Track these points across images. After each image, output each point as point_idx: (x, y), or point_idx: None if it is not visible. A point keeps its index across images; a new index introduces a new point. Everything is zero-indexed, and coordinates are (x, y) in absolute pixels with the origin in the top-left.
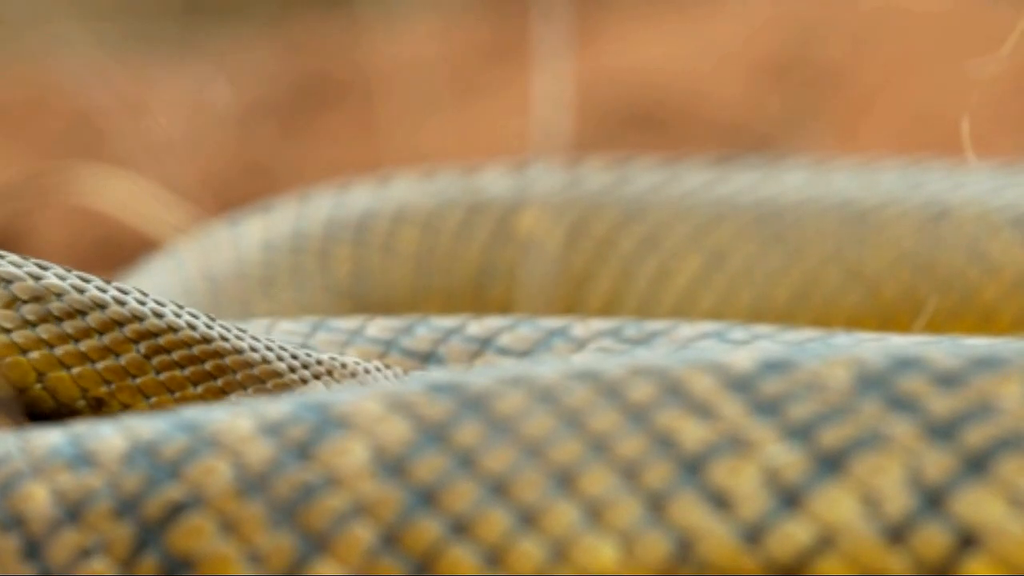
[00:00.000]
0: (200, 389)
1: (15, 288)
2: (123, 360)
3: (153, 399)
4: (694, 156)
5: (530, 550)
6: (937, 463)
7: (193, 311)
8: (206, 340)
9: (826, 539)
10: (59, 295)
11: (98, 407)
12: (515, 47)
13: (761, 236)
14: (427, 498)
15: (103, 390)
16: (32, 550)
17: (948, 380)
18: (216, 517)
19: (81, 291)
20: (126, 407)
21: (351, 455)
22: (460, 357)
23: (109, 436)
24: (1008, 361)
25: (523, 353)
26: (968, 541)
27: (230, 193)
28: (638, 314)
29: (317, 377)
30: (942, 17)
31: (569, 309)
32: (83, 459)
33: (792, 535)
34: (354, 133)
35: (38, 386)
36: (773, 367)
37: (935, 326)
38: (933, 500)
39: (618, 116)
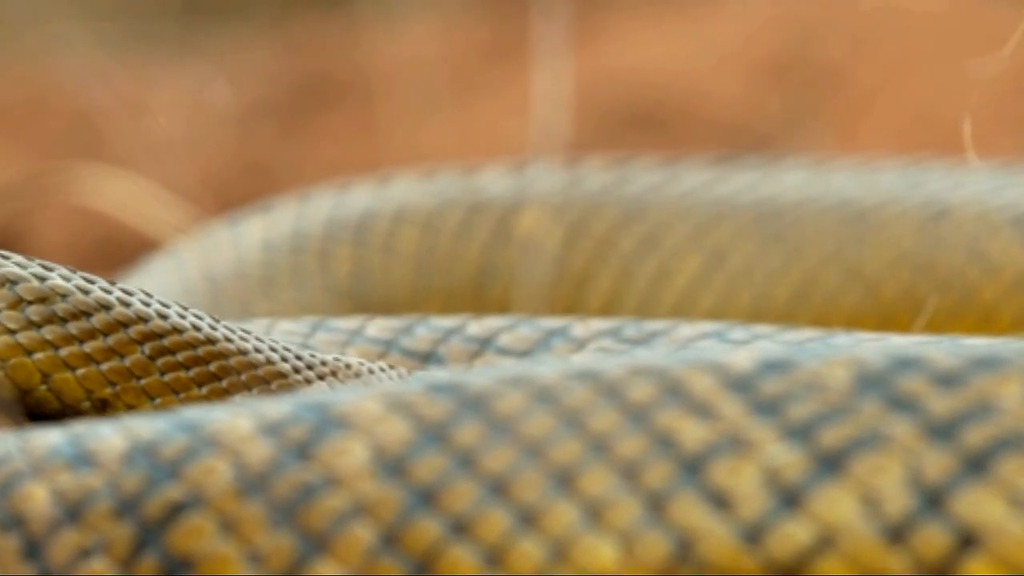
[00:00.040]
0: (204, 390)
1: (20, 289)
2: (128, 361)
3: (158, 400)
4: (694, 156)
5: (530, 550)
6: (937, 463)
7: (197, 312)
8: (210, 341)
9: (826, 539)
10: (64, 296)
11: (103, 408)
12: (515, 47)
13: (761, 236)
14: (427, 498)
15: (108, 391)
16: (32, 550)
17: (948, 380)
18: (216, 517)
19: (86, 292)
20: (131, 408)
21: (351, 455)
22: (460, 357)
23: (109, 436)
24: (1008, 361)
25: (523, 353)
26: (968, 541)
27: (230, 193)
28: (638, 314)
29: (321, 378)
30: (942, 17)
31: (569, 309)
32: (83, 459)
33: (792, 535)
34: (354, 133)
35: (43, 387)
36: (773, 367)
37: (935, 326)
38: (933, 500)
39: (618, 116)
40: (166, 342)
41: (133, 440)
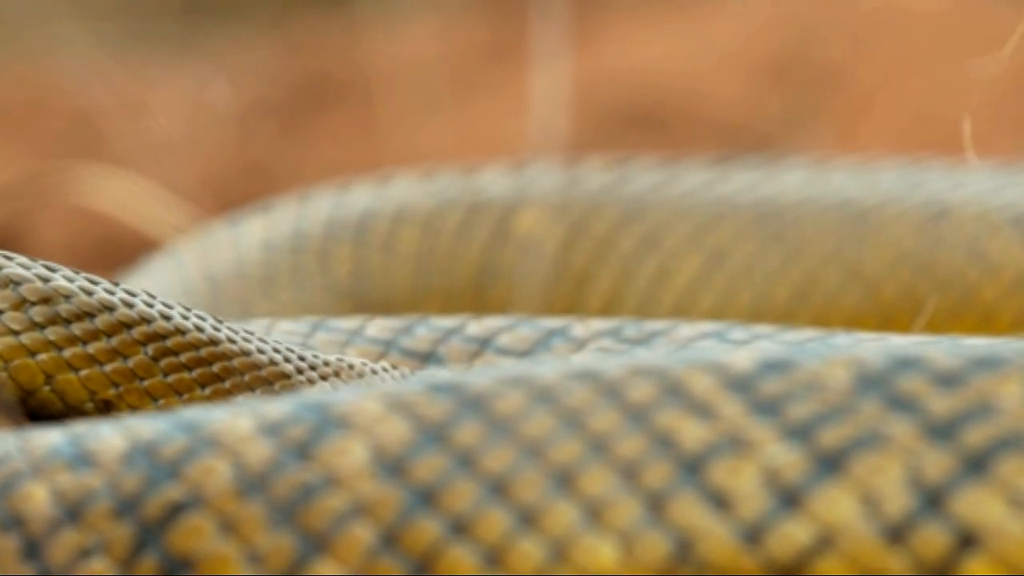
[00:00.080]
0: (208, 391)
1: (24, 290)
2: (131, 362)
3: (161, 401)
4: (694, 156)
5: (530, 550)
6: (937, 463)
7: (200, 313)
8: (214, 342)
9: (826, 539)
10: (68, 297)
11: (106, 410)
12: (515, 47)
13: (761, 236)
14: (427, 498)
15: (111, 392)
16: (32, 550)
17: (948, 380)
18: (216, 517)
19: (90, 293)
20: (134, 410)
21: (351, 455)
22: (460, 357)
23: (109, 436)
24: (1008, 361)
25: (523, 353)
26: (968, 541)
27: (230, 193)
28: (638, 314)
29: (324, 379)
30: (942, 17)
31: (569, 309)
32: (83, 459)
33: (792, 535)
34: (354, 133)
35: (46, 388)
36: (773, 367)
37: (935, 326)
38: (933, 500)
39: (618, 116)
40: (169, 343)
41: (133, 440)
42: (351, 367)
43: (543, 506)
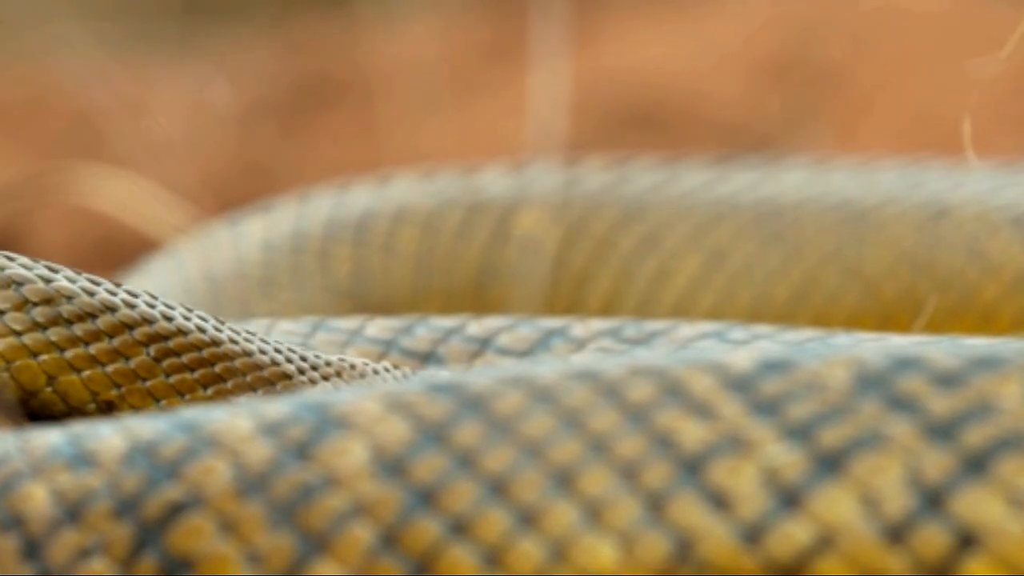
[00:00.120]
0: (210, 392)
1: (25, 291)
2: (133, 363)
3: (163, 402)
4: (694, 156)
5: (530, 550)
6: (937, 463)
7: (202, 314)
8: (216, 343)
9: (826, 539)
10: (69, 298)
11: (108, 410)
12: (515, 47)
13: (761, 236)
14: (427, 498)
15: (113, 393)
16: (32, 550)
17: (948, 380)
18: (216, 517)
19: (91, 294)
20: (136, 410)
21: (351, 455)
22: (460, 357)
23: (108, 436)
24: (1008, 361)
25: (523, 353)
26: (968, 541)
27: (230, 193)
28: (638, 314)
29: (326, 379)
30: (942, 17)
31: (569, 309)
32: (83, 459)
33: (792, 535)
34: (354, 133)
35: (48, 389)
36: (773, 367)
37: (935, 326)
38: (933, 500)
39: (618, 116)
40: (171, 344)
41: (133, 440)
42: (353, 367)
43: (543, 506)
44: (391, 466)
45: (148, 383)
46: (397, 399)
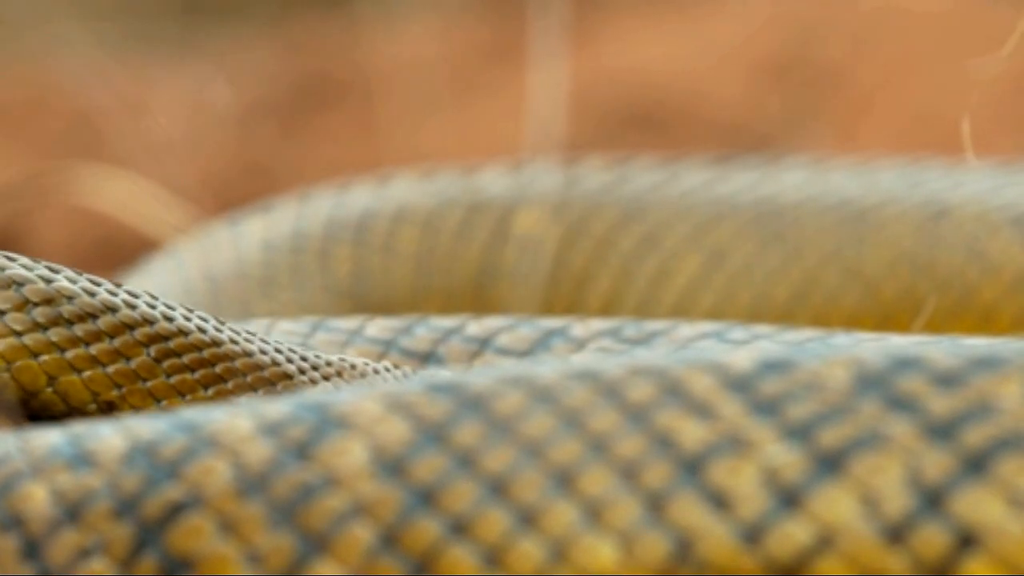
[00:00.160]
0: (211, 392)
1: (26, 291)
2: (134, 364)
3: (164, 402)
4: (694, 156)
5: (530, 550)
6: (936, 463)
7: (203, 314)
8: (216, 343)
9: (825, 539)
10: (70, 298)
11: (109, 411)
12: (514, 47)
13: (760, 235)
14: (427, 498)
15: (114, 394)
16: (31, 550)
17: (948, 380)
18: (215, 517)
19: (92, 294)
20: (137, 411)
21: (350, 455)
22: (460, 357)
23: (108, 436)
24: (1008, 361)
25: (523, 353)
26: (967, 541)
27: (230, 193)
28: (638, 314)
29: (327, 379)
30: (942, 17)
31: (569, 309)
32: (82, 459)
33: (791, 535)
34: (354, 133)
35: (49, 390)
36: (772, 367)
37: (934, 326)
38: (932, 500)
39: (618, 116)
40: (172, 344)
41: (133, 440)
42: (353, 367)
43: (543, 506)
44: (391, 466)
45: (149, 383)
46: (397, 399)
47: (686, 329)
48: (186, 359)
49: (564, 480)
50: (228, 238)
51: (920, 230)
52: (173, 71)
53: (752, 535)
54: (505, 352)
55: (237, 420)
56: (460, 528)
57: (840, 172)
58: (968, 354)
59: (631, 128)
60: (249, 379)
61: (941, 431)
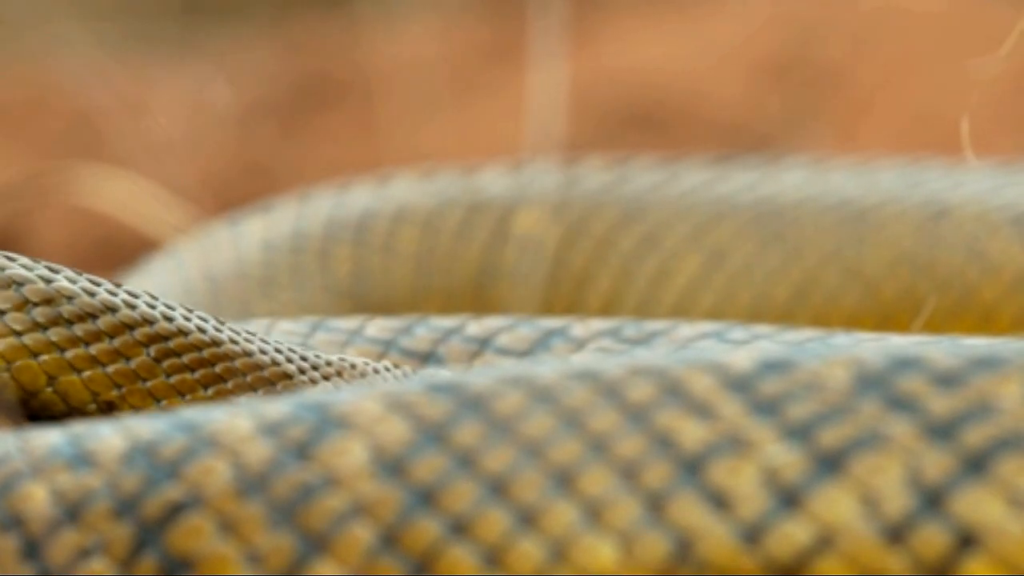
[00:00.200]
0: (211, 392)
1: (26, 291)
2: (134, 363)
3: (164, 402)
4: (694, 156)
5: (529, 550)
6: (936, 463)
7: (203, 314)
8: (216, 343)
9: (825, 539)
10: (70, 298)
11: (108, 411)
12: (514, 47)
13: (760, 235)
14: (427, 498)
15: (114, 394)
16: (31, 550)
17: (948, 380)
18: (215, 517)
19: (92, 294)
20: (137, 411)
21: (350, 455)
22: (460, 357)
23: (108, 436)
24: (1008, 361)
25: (522, 353)
26: (968, 541)
27: (230, 193)
28: (638, 314)
29: (327, 379)
30: (942, 17)
31: (569, 309)
32: (82, 459)
33: (791, 535)
34: (354, 133)
35: (49, 390)
36: (772, 367)
37: (934, 326)
38: (932, 500)
39: (618, 116)
40: (172, 344)
41: (132, 440)
42: (354, 367)
43: (543, 506)
44: (391, 466)
45: (149, 383)
46: (397, 399)
47: (686, 329)
48: (186, 359)
49: (564, 480)
50: (228, 238)
51: (920, 230)
52: (173, 71)
53: (752, 535)
54: (505, 352)
55: (237, 420)
56: (460, 528)
57: (840, 172)
58: (968, 354)
59: (631, 128)
60: (249, 379)
61: (941, 431)
